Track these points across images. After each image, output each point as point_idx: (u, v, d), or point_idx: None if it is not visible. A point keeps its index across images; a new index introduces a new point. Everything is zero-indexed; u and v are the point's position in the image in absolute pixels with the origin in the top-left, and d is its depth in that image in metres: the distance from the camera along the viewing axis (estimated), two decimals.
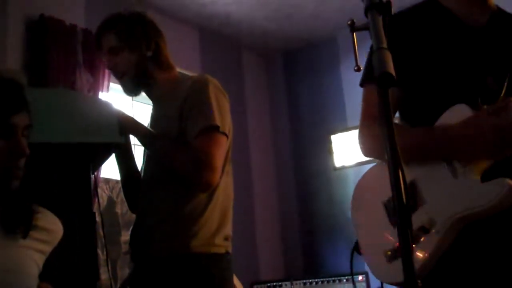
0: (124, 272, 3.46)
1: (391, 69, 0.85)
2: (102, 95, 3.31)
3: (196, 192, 1.96)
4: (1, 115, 1.39)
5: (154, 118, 2.16)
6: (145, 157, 2.15)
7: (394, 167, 0.90)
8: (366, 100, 1.73)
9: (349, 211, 5.42)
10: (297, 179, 5.26)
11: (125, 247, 3.52)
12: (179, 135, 1.96)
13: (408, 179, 1.42)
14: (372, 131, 1.64)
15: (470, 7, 1.62)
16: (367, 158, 5.38)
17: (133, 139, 2.11)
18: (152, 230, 1.99)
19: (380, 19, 0.98)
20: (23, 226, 1.39)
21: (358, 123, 5.67)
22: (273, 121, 5.46)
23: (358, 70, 1.13)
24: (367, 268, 4.76)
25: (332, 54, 5.19)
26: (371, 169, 1.77)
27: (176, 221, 1.96)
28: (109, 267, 2.73)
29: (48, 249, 1.49)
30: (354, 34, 1.08)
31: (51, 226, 1.49)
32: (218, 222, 2.00)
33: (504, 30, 1.62)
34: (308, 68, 5.34)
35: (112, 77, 3.40)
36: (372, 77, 1.62)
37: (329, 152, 5.02)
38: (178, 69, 2.18)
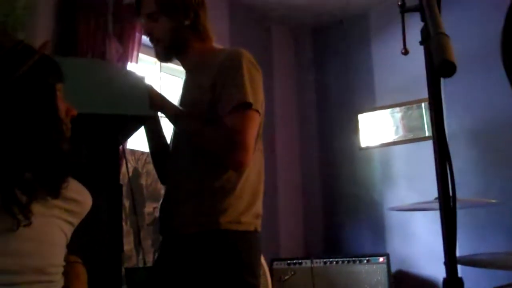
0: (146, 243, 3.48)
1: (453, 57, 0.80)
2: (131, 66, 3.29)
3: (227, 168, 1.94)
4: (48, 81, 1.41)
5: (186, 87, 2.15)
6: (174, 133, 2.14)
7: (441, 159, 0.87)
8: None
9: (373, 192, 5.40)
10: (321, 157, 5.22)
11: (148, 219, 3.53)
12: (210, 107, 1.94)
13: None
14: None
15: None
16: (392, 139, 5.36)
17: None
18: (181, 205, 1.99)
19: (435, 2, 0.92)
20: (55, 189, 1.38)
21: (386, 103, 5.66)
22: (300, 97, 5.40)
23: (406, 53, 1.08)
24: (388, 250, 4.77)
25: (363, 32, 5.09)
26: None
27: (205, 196, 1.95)
28: (140, 239, 2.76)
29: (77, 220, 1.49)
30: (404, 15, 1.03)
31: (80, 197, 1.48)
32: (249, 199, 1.98)
33: None
34: (338, 45, 5.25)
35: (142, 48, 3.41)
36: None
37: (356, 131, 4.96)
38: None
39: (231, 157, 1.88)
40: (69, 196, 1.43)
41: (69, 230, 1.47)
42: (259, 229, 2.02)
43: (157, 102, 1.98)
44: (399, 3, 1.04)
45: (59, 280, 1.44)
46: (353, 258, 4.30)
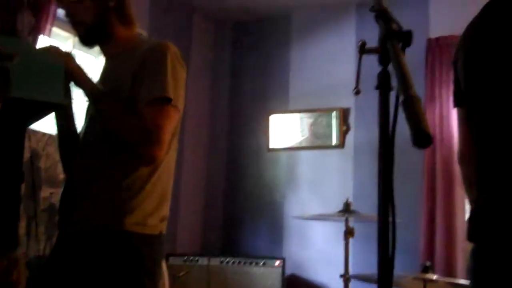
0: (39, 230, 3.28)
1: (428, 127, 0.76)
2: (43, 39, 3.08)
3: (138, 164, 1.85)
4: None
5: (105, 76, 2.02)
6: (87, 120, 2.00)
7: (384, 208, 0.84)
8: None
9: (276, 194, 5.43)
10: (229, 154, 5.17)
11: (44, 204, 3.34)
12: (129, 98, 1.84)
13: None
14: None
15: None
16: (300, 143, 5.40)
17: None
18: (85, 199, 1.87)
19: (403, 54, 0.88)
20: None
21: (298, 107, 5.69)
22: (214, 91, 5.31)
23: (357, 93, 1.04)
24: (285, 254, 4.81)
25: (284, 33, 5.08)
26: None
27: (112, 193, 1.84)
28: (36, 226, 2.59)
29: None
30: (362, 56, 0.99)
31: None
32: (157, 201, 1.90)
33: None
34: (258, 42, 5.21)
35: (56, 22, 3.20)
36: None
37: (266, 132, 4.95)
38: None
39: (144, 150, 1.79)
40: None
41: None
42: (164, 232, 1.94)
43: (77, 76, 1.85)
44: (359, 43, 0.99)
45: None
46: (250, 260, 4.30)
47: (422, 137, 0.76)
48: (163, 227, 1.94)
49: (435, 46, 4.29)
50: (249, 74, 5.21)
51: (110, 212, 1.83)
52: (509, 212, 1.32)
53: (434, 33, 4.33)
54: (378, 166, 0.91)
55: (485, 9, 1.51)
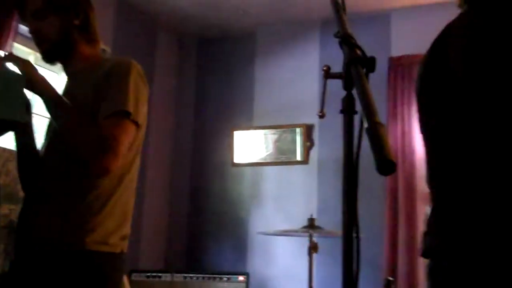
0: None
1: (392, 155, 0.78)
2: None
3: (93, 176, 1.82)
4: None
5: (67, 92, 1.98)
6: (48, 137, 1.98)
7: (348, 229, 0.85)
8: None
9: (241, 209, 5.42)
10: (193, 169, 5.14)
11: (3, 221, 3.27)
12: (90, 112, 1.82)
13: None
14: None
15: None
16: (265, 159, 5.43)
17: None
18: (44, 219, 1.83)
19: (367, 79, 0.90)
20: None
21: (262, 123, 5.72)
22: (178, 107, 5.29)
23: (322, 117, 1.05)
24: (249, 269, 4.80)
25: (249, 50, 5.11)
26: None
27: (73, 211, 1.82)
28: None
29: None
30: (327, 81, 1.00)
31: None
32: (119, 221, 1.89)
33: None
34: (222, 59, 5.23)
35: (18, 38, 3.16)
36: None
37: (230, 147, 4.95)
38: None
39: (98, 161, 1.76)
40: None
41: None
42: (125, 250, 1.93)
43: (38, 83, 1.82)
44: (324, 68, 1.01)
45: None
46: (214, 275, 4.27)
47: (386, 165, 0.77)
48: (125, 246, 1.92)
49: (397, 64, 4.37)
50: (214, 90, 5.21)
51: (71, 230, 1.80)
52: (461, 225, 1.33)
53: (396, 52, 4.41)
54: (342, 187, 0.92)
55: (445, 30, 1.55)
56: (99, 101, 1.82)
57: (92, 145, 1.76)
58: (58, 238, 1.80)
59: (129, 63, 1.89)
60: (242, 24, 4.97)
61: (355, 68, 0.93)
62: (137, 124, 1.85)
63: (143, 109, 1.90)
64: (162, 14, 4.82)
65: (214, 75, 5.24)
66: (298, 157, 4.66)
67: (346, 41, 1.02)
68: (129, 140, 1.84)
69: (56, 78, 3.71)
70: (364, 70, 0.95)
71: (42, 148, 1.99)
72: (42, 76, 1.85)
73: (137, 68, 1.90)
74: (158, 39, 5.11)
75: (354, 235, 0.88)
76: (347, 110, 0.93)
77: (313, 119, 4.57)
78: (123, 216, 1.91)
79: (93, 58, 2.01)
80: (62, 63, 2.03)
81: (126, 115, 1.80)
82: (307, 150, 4.63)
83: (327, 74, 1.01)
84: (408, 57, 4.30)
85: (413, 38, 4.20)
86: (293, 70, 4.83)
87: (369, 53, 0.97)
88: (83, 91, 1.88)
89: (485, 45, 1.20)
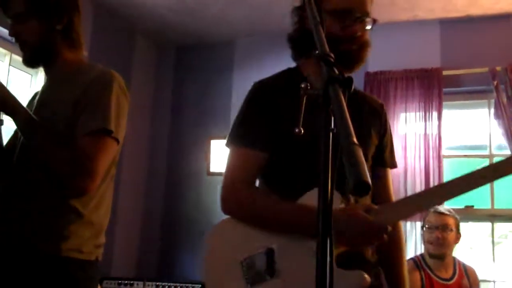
0: None
1: (368, 176, 0.80)
2: None
3: (69, 197, 1.81)
4: None
5: (46, 98, 1.97)
6: (22, 142, 1.94)
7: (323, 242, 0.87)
8: (240, 164, 1.81)
9: (215, 218, 5.41)
10: (168, 177, 5.13)
11: None
12: (67, 125, 1.81)
13: (267, 246, 1.61)
14: (243, 199, 1.75)
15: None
16: None
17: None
18: (20, 223, 1.82)
19: (344, 99, 0.92)
20: None
21: None
22: (155, 114, 5.28)
23: (299, 133, 1.06)
24: None
25: (227, 59, 5.12)
26: (222, 226, 1.84)
27: (48, 218, 1.80)
28: None
29: None
30: (305, 98, 1.02)
31: None
32: (94, 231, 1.88)
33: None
34: (200, 67, 5.23)
35: None
36: (254, 143, 1.74)
37: (206, 156, 4.95)
38: None
39: (74, 182, 1.75)
40: None
41: None
42: (100, 258, 1.92)
43: (9, 105, 1.78)
44: (302, 85, 1.03)
45: None
46: (186, 284, 4.26)
47: (362, 187, 0.79)
48: (99, 253, 1.92)
49: (373, 79, 4.44)
50: (191, 98, 5.21)
51: (45, 237, 1.79)
52: None
53: (372, 67, 4.47)
54: (317, 198, 0.93)
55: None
56: (79, 113, 1.80)
57: (67, 167, 1.74)
58: (33, 244, 1.79)
59: (110, 76, 1.88)
60: (221, 33, 4.99)
61: (332, 88, 0.95)
62: (118, 141, 1.85)
63: (123, 122, 1.89)
64: (141, 20, 4.81)
65: (191, 83, 5.23)
66: None
67: (325, 60, 1.04)
68: (109, 158, 1.84)
69: (31, 80, 3.68)
70: (342, 89, 0.97)
71: (17, 150, 1.94)
72: (14, 97, 1.81)
73: (118, 81, 1.89)
74: (136, 45, 5.09)
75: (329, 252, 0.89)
76: (324, 127, 0.94)
77: None
78: (99, 227, 1.91)
79: (75, 63, 1.99)
80: (43, 66, 2.02)
81: (108, 133, 1.80)
82: None
83: (305, 91, 1.03)
84: (383, 72, 4.38)
85: (389, 54, 4.27)
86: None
87: None
88: (63, 100, 1.86)
89: None
